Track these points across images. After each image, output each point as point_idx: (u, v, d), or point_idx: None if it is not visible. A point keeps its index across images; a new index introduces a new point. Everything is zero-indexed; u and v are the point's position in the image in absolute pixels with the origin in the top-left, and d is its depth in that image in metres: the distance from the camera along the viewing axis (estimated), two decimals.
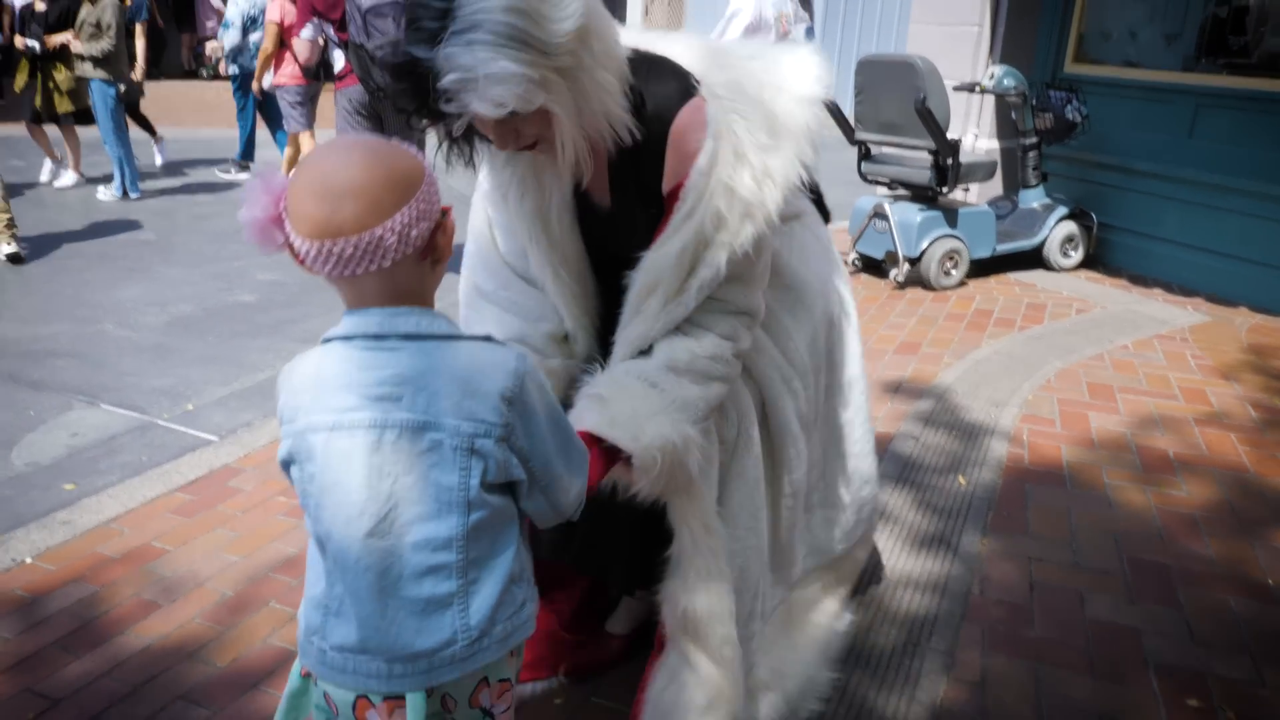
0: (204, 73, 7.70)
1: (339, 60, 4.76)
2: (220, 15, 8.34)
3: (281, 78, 6.27)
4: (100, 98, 6.47)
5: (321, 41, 4.99)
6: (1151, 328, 4.23)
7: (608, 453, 1.37)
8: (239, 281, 4.81)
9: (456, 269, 1.53)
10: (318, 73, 5.93)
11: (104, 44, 6.34)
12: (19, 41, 6.49)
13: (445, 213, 1.03)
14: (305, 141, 6.25)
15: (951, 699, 1.88)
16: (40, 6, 6.48)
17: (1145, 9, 5.11)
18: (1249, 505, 2.68)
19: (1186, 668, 1.99)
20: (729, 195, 1.34)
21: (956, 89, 4.94)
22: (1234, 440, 3.09)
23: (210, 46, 7.27)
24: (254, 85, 6.66)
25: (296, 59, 5.66)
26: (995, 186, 5.52)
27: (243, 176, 7.63)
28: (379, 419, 1.00)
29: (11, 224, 5.05)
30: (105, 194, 6.69)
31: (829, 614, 1.90)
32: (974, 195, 5.51)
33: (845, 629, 1.94)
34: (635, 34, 1.45)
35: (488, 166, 1.48)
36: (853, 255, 5.02)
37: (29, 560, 2.28)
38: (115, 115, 6.55)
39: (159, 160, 7.76)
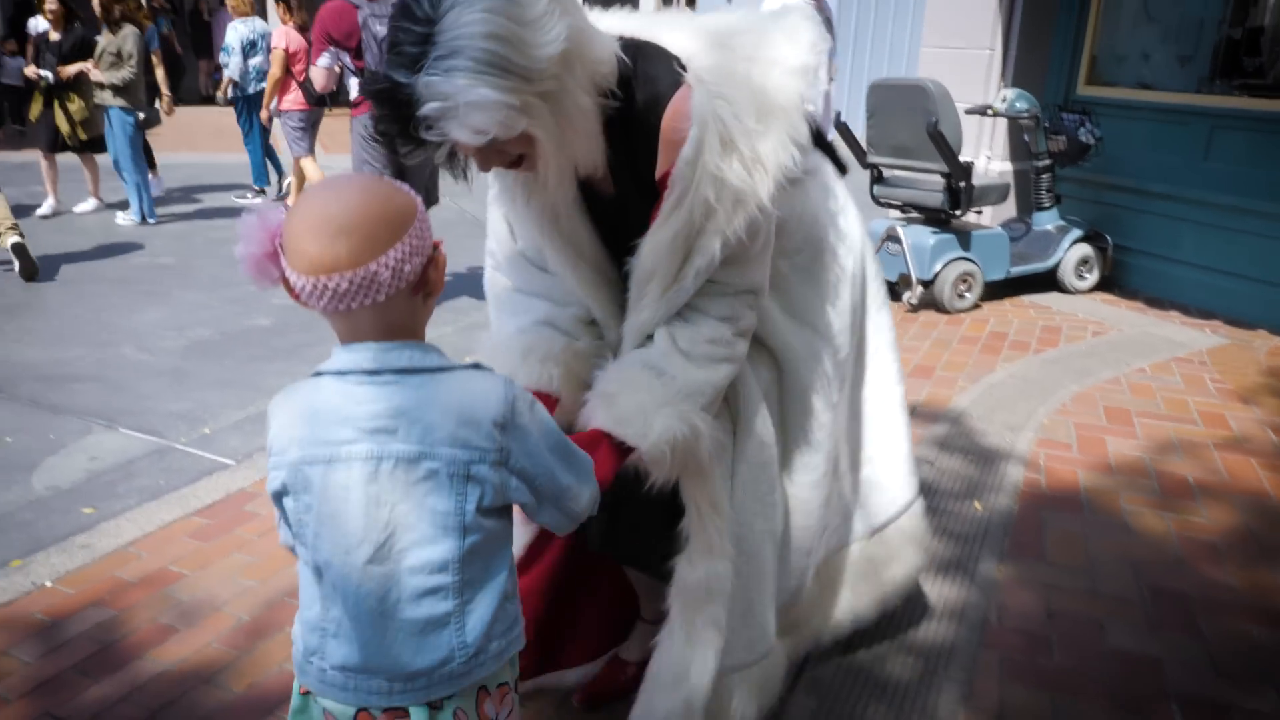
0: (220, 99, 7.83)
1: (354, 88, 4.83)
2: None
3: (285, 103, 6.38)
4: (120, 125, 6.56)
5: (338, 69, 5.06)
6: (1169, 350, 4.20)
7: (619, 447, 1.37)
8: (255, 306, 4.85)
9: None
10: (321, 99, 6.02)
11: (124, 73, 6.43)
12: (30, 71, 6.57)
13: (436, 247, 1.05)
14: (308, 165, 6.34)
15: None
16: (54, 36, 6.57)
17: (1158, 31, 5.11)
18: (1271, 531, 2.65)
19: (1209, 700, 1.96)
20: (718, 185, 1.33)
21: (968, 112, 4.95)
22: (1255, 465, 3.06)
23: (226, 76, 7.42)
24: (263, 114, 6.78)
25: (306, 86, 5.77)
26: (1009, 209, 5.51)
27: (258, 202, 7.72)
28: (376, 450, 1.02)
29: (14, 227, 5.19)
30: (124, 219, 6.77)
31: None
32: (988, 218, 5.50)
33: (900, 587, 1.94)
34: (621, 19, 1.45)
35: (493, 171, 1.48)
36: None
37: (49, 584, 2.30)
38: (134, 143, 6.64)
39: (157, 193, 7.82)
